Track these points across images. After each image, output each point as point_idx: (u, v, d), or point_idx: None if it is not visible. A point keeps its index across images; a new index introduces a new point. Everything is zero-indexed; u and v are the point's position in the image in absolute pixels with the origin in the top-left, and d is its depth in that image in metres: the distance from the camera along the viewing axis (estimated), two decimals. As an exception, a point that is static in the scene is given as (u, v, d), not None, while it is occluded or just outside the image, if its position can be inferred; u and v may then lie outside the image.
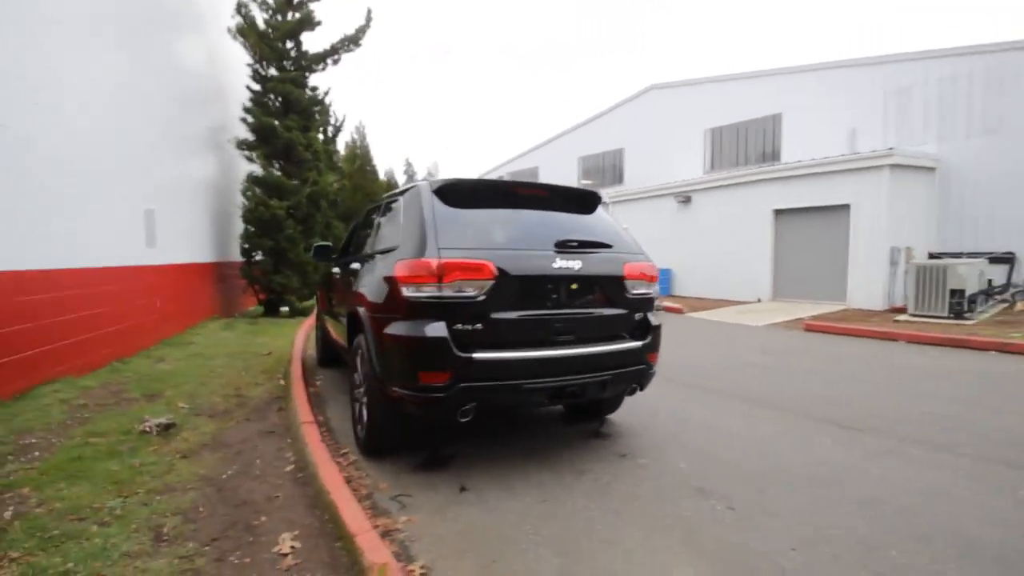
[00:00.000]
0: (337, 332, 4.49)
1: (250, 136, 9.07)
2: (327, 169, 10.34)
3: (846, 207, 12.66)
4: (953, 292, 9.58)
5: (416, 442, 3.41)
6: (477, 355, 2.71)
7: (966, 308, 9.56)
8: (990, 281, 11.59)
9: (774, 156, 17.07)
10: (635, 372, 3.21)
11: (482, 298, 2.76)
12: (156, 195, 6.63)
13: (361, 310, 3.22)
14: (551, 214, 3.28)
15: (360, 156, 23.79)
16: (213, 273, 8.69)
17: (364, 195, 19.98)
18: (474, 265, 2.76)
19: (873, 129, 14.75)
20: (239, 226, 9.43)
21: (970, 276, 9.79)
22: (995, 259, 12.23)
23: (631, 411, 4.15)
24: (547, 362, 2.86)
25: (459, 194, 3.09)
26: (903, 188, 12.37)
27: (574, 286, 3.02)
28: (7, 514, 2.34)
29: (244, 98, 9.16)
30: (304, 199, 9.22)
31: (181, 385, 4.79)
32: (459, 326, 2.73)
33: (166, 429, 3.55)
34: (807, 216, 13.52)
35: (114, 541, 2.14)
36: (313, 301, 11.37)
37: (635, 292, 3.25)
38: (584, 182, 22.41)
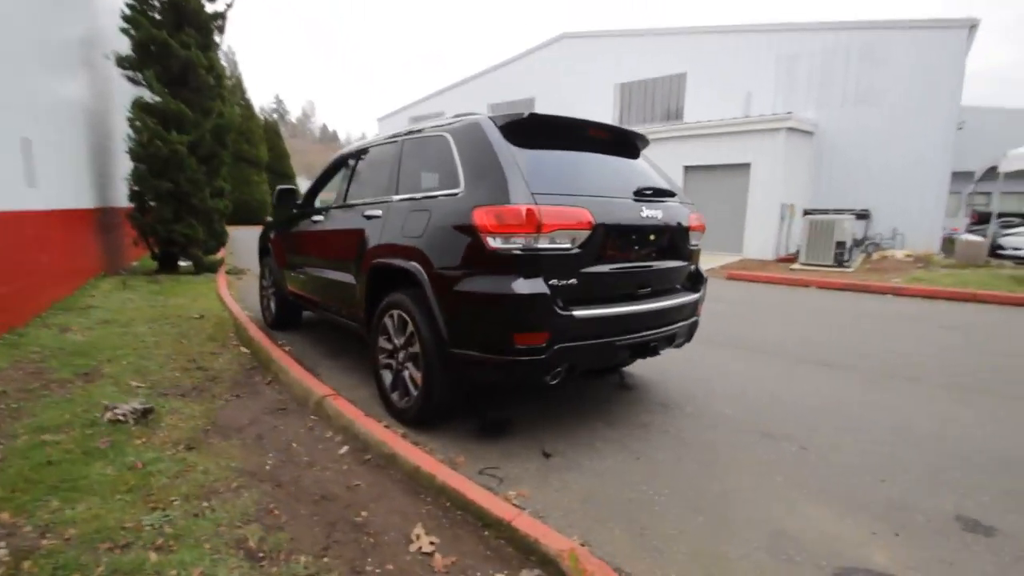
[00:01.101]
0: (327, 292, 3.90)
1: (132, 52, 7.30)
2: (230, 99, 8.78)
3: (747, 166, 13.84)
4: (838, 244, 11.06)
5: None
6: (577, 312, 2.48)
7: (846, 258, 11.12)
8: (854, 235, 13.60)
9: (678, 115, 17.99)
10: (691, 325, 3.20)
11: (576, 251, 2.50)
12: (33, 121, 5.11)
13: (409, 265, 2.76)
14: (612, 158, 3.04)
15: (233, 87, 20.74)
16: (96, 222, 7.07)
17: (238, 133, 17.49)
18: (571, 213, 2.47)
19: (765, 93, 16.10)
20: (122, 165, 7.72)
21: (849, 230, 11.34)
22: (857, 215, 14.31)
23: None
24: (635, 317, 2.72)
25: (523, 131, 2.71)
26: (793, 150, 13.79)
27: (652, 237, 2.86)
28: (1, 552, 1.70)
29: (120, 4, 7.28)
30: (208, 133, 7.74)
31: (117, 360, 3.88)
32: (554, 281, 2.46)
33: (144, 416, 2.84)
34: (713, 173, 14.56)
35: (200, 571, 1.64)
36: (221, 255, 9.90)
37: (693, 243, 3.19)
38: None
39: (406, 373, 2.94)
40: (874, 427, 3.06)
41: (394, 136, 3.50)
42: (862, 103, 14.42)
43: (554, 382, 2.55)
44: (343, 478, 2.30)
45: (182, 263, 8.53)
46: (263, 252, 5.49)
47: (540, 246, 2.40)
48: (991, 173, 13.74)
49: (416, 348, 2.80)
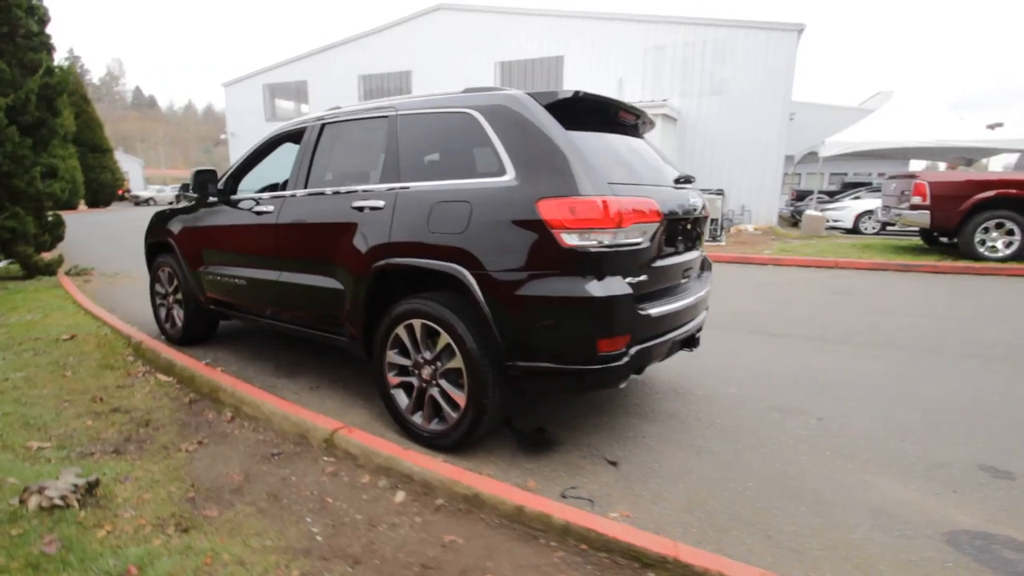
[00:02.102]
0: (285, 300, 3.20)
1: None
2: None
3: (628, 148, 14.77)
4: (712, 220, 12.35)
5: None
6: (652, 311, 2.32)
7: (718, 233, 12.50)
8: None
9: (557, 96, 18.44)
10: (706, 312, 3.24)
11: (646, 245, 2.32)
12: None
13: (446, 267, 2.34)
14: (638, 141, 2.89)
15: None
16: None
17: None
18: (644, 204, 2.27)
19: (635, 80, 17.22)
20: None
21: (720, 208, 12.71)
22: (713, 194, 16.15)
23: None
24: (686, 310, 2.63)
25: (566, 111, 2.43)
26: (666, 136, 15.00)
27: (690, 226, 2.79)
28: None
29: None
30: (32, 95, 5.93)
31: (-18, 411, 2.80)
32: (631, 279, 2.26)
33: (90, 491, 2.05)
34: (597, 154, 15.24)
35: None
36: (53, 255, 7.80)
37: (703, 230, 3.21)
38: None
39: (434, 391, 2.53)
40: (858, 391, 3.40)
41: (373, 110, 2.93)
42: (716, 94, 16.14)
43: (622, 386, 2.38)
44: (428, 535, 1.88)
45: (4, 264, 6.57)
46: (155, 251, 4.41)
47: (620, 242, 2.17)
48: (810, 157, 16.40)
49: (454, 363, 2.41)
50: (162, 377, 3.46)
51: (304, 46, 22.01)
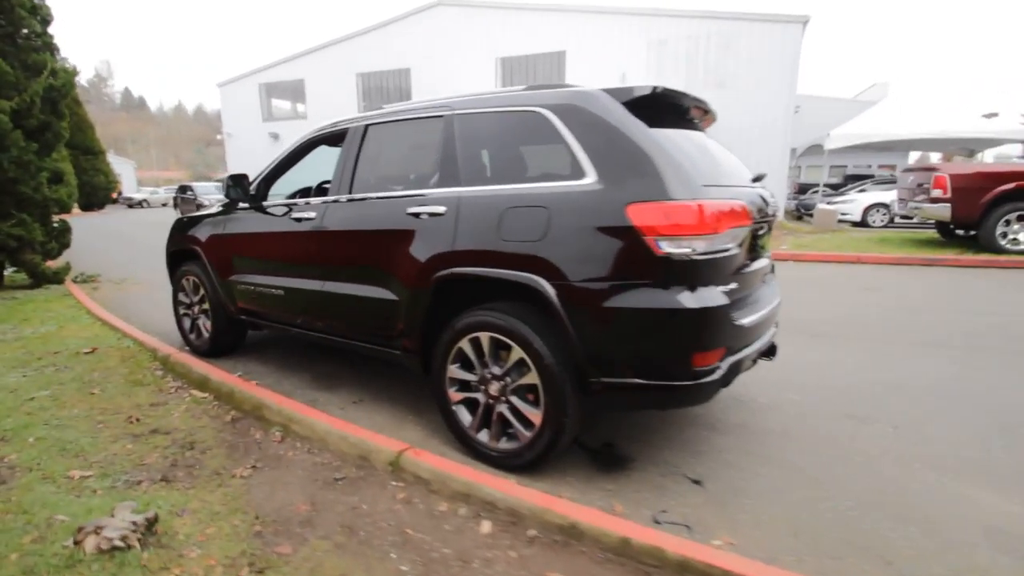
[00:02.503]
0: (330, 310, 3.04)
1: None
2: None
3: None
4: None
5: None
6: (745, 320, 2.18)
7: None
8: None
9: (558, 92, 18.25)
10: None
11: (736, 251, 2.18)
12: None
13: (522, 277, 2.18)
14: (707, 138, 2.74)
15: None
16: None
17: None
18: (736, 208, 2.13)
19: (638, 74, 17.05)
20: None
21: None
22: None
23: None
24: (768, 318, 2.49)
25: (644, 108, 2.27)
26: (672, 129, 14.86)
27: (766, 228, 2.65)
28: None
29: None
30: (38, 98, 5.69)
31: (18, 438, 2.62)
32: (723, 288, 2.11)
33: (149, 528, 1.89)
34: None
35: None
36: (60, 263, 7.55)
37: None
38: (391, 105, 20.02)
39: (502, 408, 2.38)
40: (922, 394, 3.27)
41: (424, 110, 2.76)
42: (720, 87, 16.00)
43: (708, 401, 2.24)
44: (529, 573, 1.73)
45: (8, 271, 6.34)
46: (178, 259, 4.22)
47: (715, 248, 2.03)
48: (812, 149, 16.30)
49: (528, 378, 2.26)
50: (197, 393, 3.29)
51: (300, 44, 21.68)
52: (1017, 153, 14.78)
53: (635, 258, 2.01)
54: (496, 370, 2.38)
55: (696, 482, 2.34)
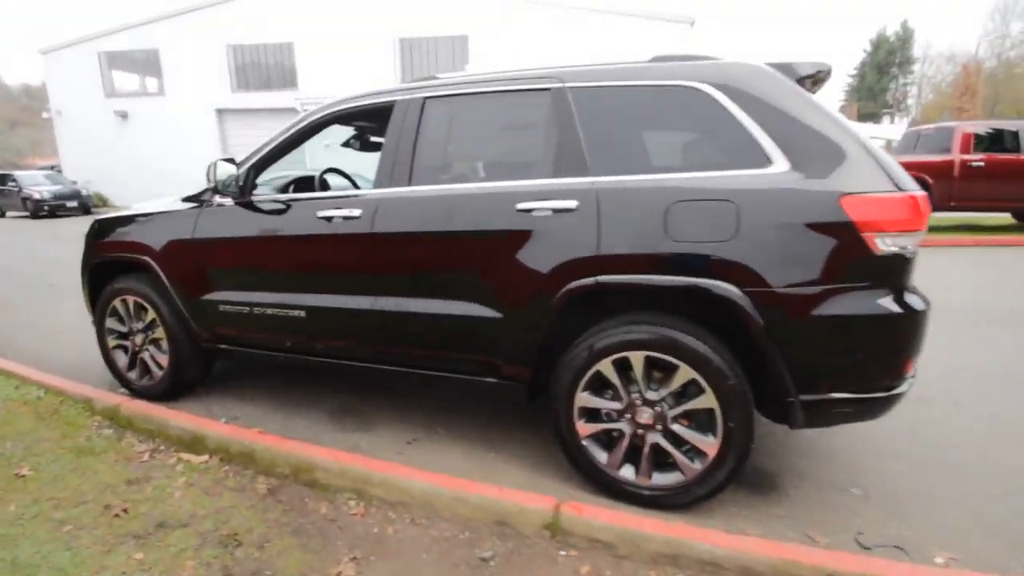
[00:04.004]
0: (386, 331, 2.39)
1: None
2: None
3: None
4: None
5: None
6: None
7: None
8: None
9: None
10: None
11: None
12: None
13: (711, 285, 1.82)
14: None
15: None
16: None
17: None
18: (928, 200, 1.96)
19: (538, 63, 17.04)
20: None
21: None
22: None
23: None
24: None
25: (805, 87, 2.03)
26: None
27: None
28: None
29: None
30: None
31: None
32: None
33: None
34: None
35: None
36: None
37: None
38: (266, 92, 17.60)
39: (655, 438, 2.01)
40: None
41: (519, 80, 2.23)
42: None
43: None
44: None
45: None
46: (103, 274, 3.14)
47: (917, 244, 1.85)
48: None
49: (700, 402, 1.92)
50: (189, 457, 2.42)
51: (152, 6, 18.38)
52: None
53: (850, 258, 1.76)
54: (652, 395, 2.00)
55: (861, 494, 2.19)
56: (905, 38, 47.05)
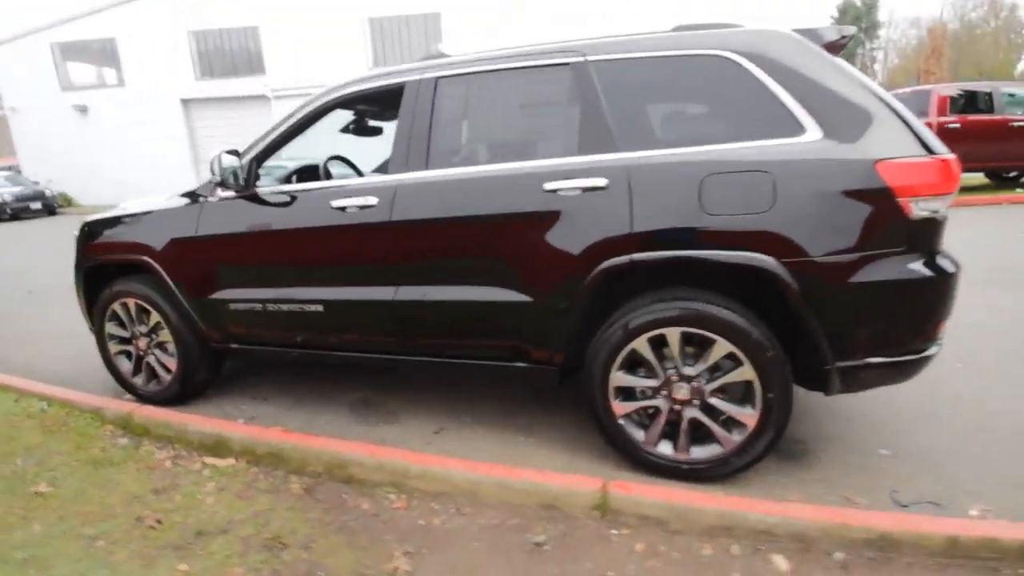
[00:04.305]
0: (411, 322, 2.34)
1: None
2: None
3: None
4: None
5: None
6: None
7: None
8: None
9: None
10: None
11: None
12: None
13: (752, 259, 1.81)
14: None
15: None
16: None
17: None
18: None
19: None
20: None
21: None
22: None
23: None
24: None
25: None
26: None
27: None
28: None
29: None
30: None
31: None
32: (942, 249, 1.97)
33: None
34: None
35: None
36: None
37: None
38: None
39: (692, 413, 2.02)
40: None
41: (537, 55, 2.16)
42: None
43: None
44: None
45: None
46: (99, 277, 3.01)
47: (946, 208, 1.86)
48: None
49: (736, 375, 1.93)
50: (215, 462, 2.35)
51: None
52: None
53: (887, 223, 1.77)
54: (689, 370, 2.00)
55: (886, 453, 2.24)
56: (871, 3, 47.51)
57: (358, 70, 14.74)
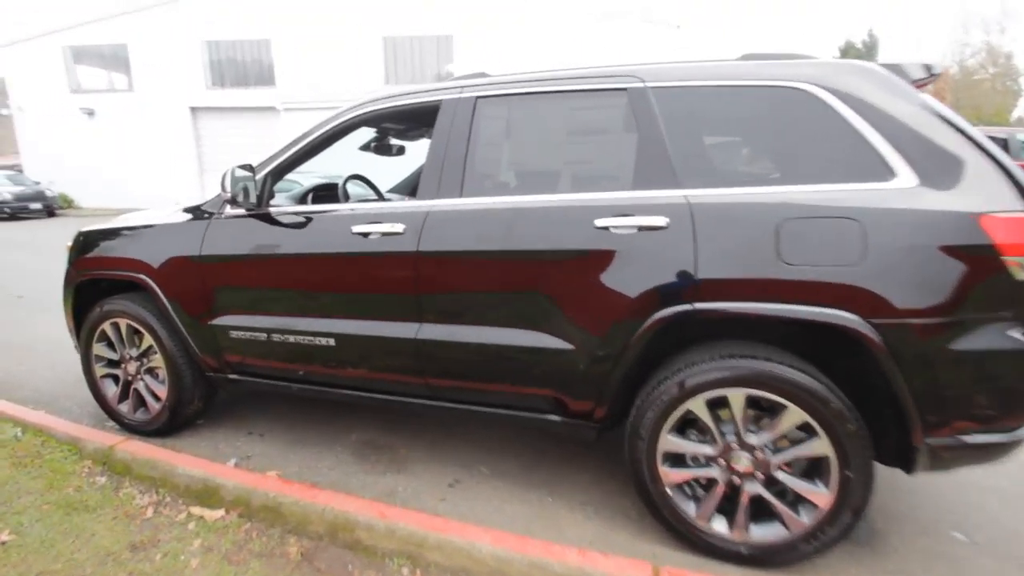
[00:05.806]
0: (429, 363, 2.09)
1: None
2: None
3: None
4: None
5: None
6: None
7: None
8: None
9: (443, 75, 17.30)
10: None
11: None
12: None
13: (836, 316, 1.58)
14: None
15: None
16: None
17: None
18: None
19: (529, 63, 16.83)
20: None
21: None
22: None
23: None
24: None
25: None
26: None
27: None
28: None
29: None
30: None
31: None
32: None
33: None
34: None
35: None
36: None
37: None
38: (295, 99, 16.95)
39: (754, 488, 1.77)
40: None
41: (588, 79, 1.96)
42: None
43: None
44: None
45: None
46: (89, 294, 2.77)
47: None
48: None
49: (811, 448, 1.69)
50: (202, 513, 2.07)
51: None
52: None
53: (988, 285, 1.55)
54: (752, 439, 1.76)
55: (962, 537, 1.99)
56: (871, 45, 48.54)
57: (371, 87, 14.80)
